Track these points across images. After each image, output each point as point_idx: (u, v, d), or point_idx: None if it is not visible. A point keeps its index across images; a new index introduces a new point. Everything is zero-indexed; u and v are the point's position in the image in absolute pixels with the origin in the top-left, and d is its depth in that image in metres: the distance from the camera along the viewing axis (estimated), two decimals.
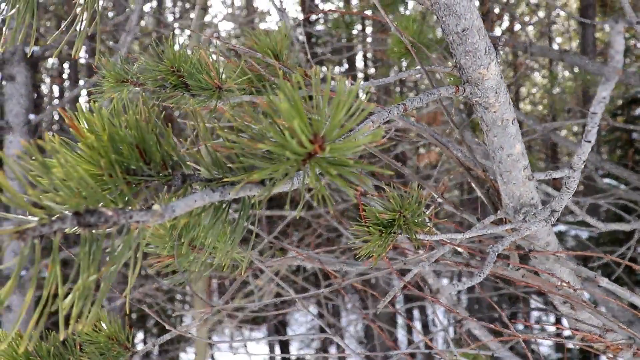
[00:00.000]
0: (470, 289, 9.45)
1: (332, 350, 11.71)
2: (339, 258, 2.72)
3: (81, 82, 9.48)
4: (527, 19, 9.72)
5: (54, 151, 0.70)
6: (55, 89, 11.51)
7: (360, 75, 9.79)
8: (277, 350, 12.05)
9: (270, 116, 0.71)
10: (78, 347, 1.53)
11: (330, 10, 1.83)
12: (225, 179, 0.78)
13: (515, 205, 1.56)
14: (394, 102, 5.31)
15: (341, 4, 8.14)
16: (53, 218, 0.71)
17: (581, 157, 0.84)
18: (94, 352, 1.57)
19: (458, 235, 1.31)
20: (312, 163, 0.70)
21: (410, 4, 5.04)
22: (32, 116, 4.64)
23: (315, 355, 3.13)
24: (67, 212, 0.72)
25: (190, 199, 0.72)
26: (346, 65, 9.98)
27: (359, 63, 11.38)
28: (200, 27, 5.88)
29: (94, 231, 0.74)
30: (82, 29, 0.97)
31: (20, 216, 0.76)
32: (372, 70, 10.53)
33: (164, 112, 0.89)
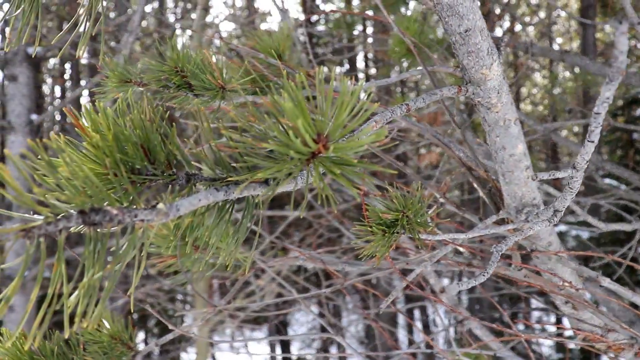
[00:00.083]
0: (471, 289, 9.45)
1: (333, 350, 11.71)
2: (340, 258, 2.72)
3: (83, 83, 9.49)
4: (527, 19, 9.73)
5: (60, 150, 0.71)
6: (56, 89, 11.53)
7: (361, 75, 9.80)
8: (278, 350, 12.05)
9: (274, 116, 0.71)
10: (82, 346, 1.53)
11: (332, 10, 1.83)
12: (230, 179, 0.79)
13: (517, 206, 1.57)
14: (395, 102, 5.32)
15: (342, 5, 8.14)
16: (58, 216, 0.72)
17: (584, 157, 0.85)
18: (97, 352, 1.58)
19: (460, 235, 1.31)
20: (315, 162, 0.70)
21: (411, 4, 5.05)
22: (34, 116, 4.65)
23: (316, 355, 3.13)
24: (72, 210, 0.72)
25: (194, 198, 0.72)
26: (347, 66, 9.98)
27: (360, 63, 11.39)
28: (202, 27, 5.89)
29: (98, 230, 0.75)
30: (86, 29, 0.97)
31: (25, 215, 0.76)
32: (373, 71, 10.54)
33: (168, 112, 0.90)
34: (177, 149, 0.86)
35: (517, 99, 9.55)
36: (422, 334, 1.62)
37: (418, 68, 3.01)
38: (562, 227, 6.06)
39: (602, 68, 3.94)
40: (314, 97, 0.75)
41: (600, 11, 6.01)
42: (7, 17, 0.94)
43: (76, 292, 0.70)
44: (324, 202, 0.73)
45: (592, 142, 0.84)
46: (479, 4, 1.23)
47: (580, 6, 7.32)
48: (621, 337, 1.67)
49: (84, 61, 9.05)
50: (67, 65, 10.27)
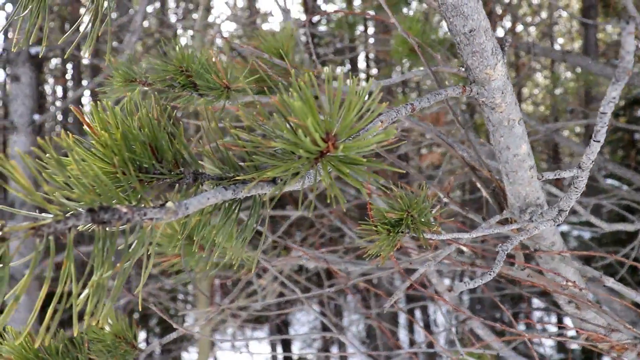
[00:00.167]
0: (472, 289, 9.45)
1: (334, 350, 11.72)
2: (342, 258, 2.72)
3: (84, 83, 9.50)
4: (529, 19, 9.72)
5: (70, 148, 0.71)
6: (57, 89, 11.54)
7: (362, 75, 9.79)
8: (279, 349, 12.05)
9: (282, 115, 0.72)
10: (86, 345, 1.54)
11: (335, 10, 1.84)
12: (237, 178, 0.79)
13: (521, 205, 1.57)
14: (396, 102, 5.32)
15: (343, 5, 8.15)
16: (67, 215, 0.72)
17: (590, 156, 0.85)
18: (102, 350, 1.58)
19: (464, 235, 1.32)
20: (324, 161, 0.71)
21: (413, 5, 5.05)
22: (36, 116, 4.65)
23: (317, 354, 3.14)
24: (80, 209, 0.73)
25: (203, 196, 0.73)
26: (348, 66, 9.99)
27: (361, 64, 11.39)
28: (204, 27, 5.90)
29: (107, 228, 0.75)
30: (93, 29, 0.97)
31: (31, 213, 0.77)
32: (374, 71, 10.54)
33: (175, 112, 0.90)
34: (184, 147, 0.86)
35: (519, 100, 9.53)
36: (425, 334, 1.62)
37: (421, 68, 3.02)
38: (564, 228, 6.06)
39: (604, 68, 3.95)
40: (316, 97, 0.75)
41: (602, 11, 6.01)
42: (15, 18, 0.95)
43: (86, 291, 0.71)
44: (332, 201, 0.74)
45: (598, 141, 0.84)
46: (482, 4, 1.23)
47: (581, 6, 7.32)
48: (624, 337, 1.67)
49: (85, 61, 9.06)
50: (69, 66, 10.28)
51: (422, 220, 1.20)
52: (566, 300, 1.81)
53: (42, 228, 0.69)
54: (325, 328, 9.51)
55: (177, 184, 0.87)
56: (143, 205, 0.75)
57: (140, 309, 0.84)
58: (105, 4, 1.02)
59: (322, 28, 9.48)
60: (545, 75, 12.09)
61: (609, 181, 4.86)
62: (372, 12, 5.90)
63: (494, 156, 2.90)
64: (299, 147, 0.67)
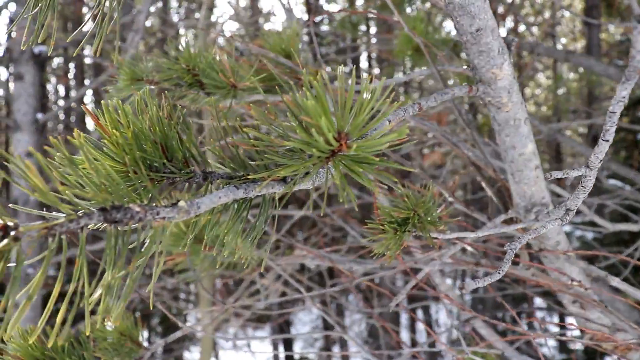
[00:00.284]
0: (474, 289, 9.44)
1: (336, 350, 11.72)
2: (344, 257, 2.72)
3: (87, 82, 9.51)
4: (532, 19, 9.71)
5: (82, 147, 0.72)
6: (59, 88, 11.56)
7: (364, 75, 9.78)
8: (281, 349, 12.06)
9: (293, 114, 0.72)
10: (92, 343, 1.54)
11: (340, 10, 1.84)
12: (248, 177, 0.79)
13: (526, 205, 1.57)
14: (398, 101, 5.31)
15: (346, 4, 8.15)
16: (79, 214, 0.72)
17: (599, 155, 0.85)
18: (107, 348, 1.59)
19: (470, 234, 1.32)
20: (335, 161, 0.71)
21: (415, 5, 5.05)
22: (39, 115, 4.66)
23: (318, 353, 3.14)
24: (92, 208, 0.73)
25: (215, 195, 0.73)
26: (351, 65, 9.98)
27: (364, 63, 11.38)
28: (207, 27, 5.90)
29: (119, 227, 0.75)
30: (102, 28, 0.98)
31: (37, 211, 0.77)
32: (376, 71, 10.53)
33: (184, 110, 0.90)
34: (194, 146, 0.87)
35: None
36: (430, 333, 1.62)
37: (423, 68, 3.02)
38: (567, 228, 6.06)
39: (607, 68, 3.95)
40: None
41: (605, 11, 6.00)
42: (25, 16, 0.95)
43: (99, 290, 0.71)
44: (344, 200, 0.74)
45: (607, 141, 0.85)
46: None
47: (584, 6, 7.31)
48: (629, 336, 1.67)
49: (88, 60, 9.07)
50: (71, 65, 10.29)
51: (429, 219, 1.20)
52: (571, 300, 1.81)
53: (54, 227, 0.70)
54: (327, 327, 9.51)
55: (186, 183, 0.87)
56: (155, 204, 0.76)
57: (151, 307, 0.84)
58: (114, 3, 1.03)
59: (324, 28, 9.48)
60: (547, 76, 12.08)
61: (612, 181, 4.86)
62: (375, 12, 5.90)
63: (497, 156, 2.90)
64: (312, 146, 0.67)
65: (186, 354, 10.91)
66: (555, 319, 9.45)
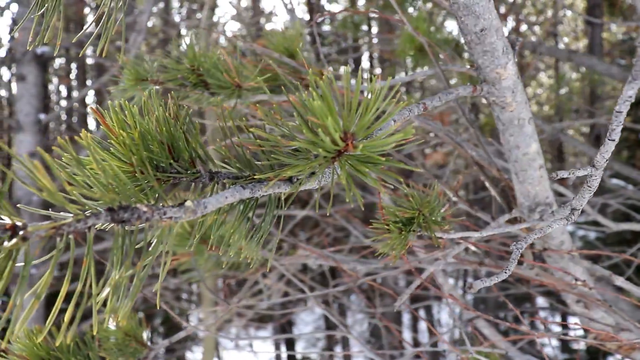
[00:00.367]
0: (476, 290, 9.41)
1: (338, 350, 11.72)
2: (347, 257, 2.72)
3: (89, 83, 9.53)
4: (533, 19, 9.70)
5: (88, 147, 0.72)
6: (61, 88, 11.57)
7: (366, 75, 9.79)
8: (283, 349, 12.06)
9: (300, 114, 0.72)
10: (97, 342, 1.55)
11: (343, 9, 1.84)
12: (254, 177, 0.79)
13: (530, 205, 1.57)
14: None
15: (348, 5, 8.15)
16: (87, 214, 0.72)
17: (605, 155, 0.85)
18: (112, 348, 1.59)
19: (474, 234, 1.32)
20: (342, 160, 0.71)
21: (417, 5, 5.05)
22: (42, 116, 4.67)
23: (320, 353, 3.14)
24: (100, 208, 0.73)
25: (221, 195, 0.73)
26: (352, 65, 9.98)
27: (365, 63, 11.37)
28: (209, 27, 5.90)
29: (126, 227, 0.76)
30: (107, 28, 0.98)
31: (48, 212, 0.78)
32: (378, 71, 10.53)
33: (190, 110, 0.90)
34: (200, 146, 0.87)
35: None
36: (434, 332, 1.63)
37: (426, 68, 3.01)
38: (569, 227, 6.05)
39: (609, 68, 3.94)
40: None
41: (607, 10, 5.99)
42: (31, 16, 0.95)
43: (106, 289, 0.71)
44: (350, 199, 0.74)
45: (613, 140, 0.85)
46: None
47: (586, 5, 7.30)
48: (634, 336, 1.67)
49: (89, 61, 9.08)
50: (73, 65, 10.31)
51: (434, 219, 1.20)
52: (574, 300, 1.81)
53: (62, 227, 0.70)
54: (329, 327, 9.51)
55: (193, 183, 0.88)
56: (161, 204, 0.76)
57: (157, 307, 0.84)
58: (120, 3, 1.03)
59: (326, 28, 9.48)
60: (549, 75, 12.06)
61: (615, 181, 4.85)
62: (377, 11, 5.89)
63: (500, 155, 2.90)
64: (318, 146, 0.68)
65: (188, 354, 10.92)
66: (558, 319, 9.44)
